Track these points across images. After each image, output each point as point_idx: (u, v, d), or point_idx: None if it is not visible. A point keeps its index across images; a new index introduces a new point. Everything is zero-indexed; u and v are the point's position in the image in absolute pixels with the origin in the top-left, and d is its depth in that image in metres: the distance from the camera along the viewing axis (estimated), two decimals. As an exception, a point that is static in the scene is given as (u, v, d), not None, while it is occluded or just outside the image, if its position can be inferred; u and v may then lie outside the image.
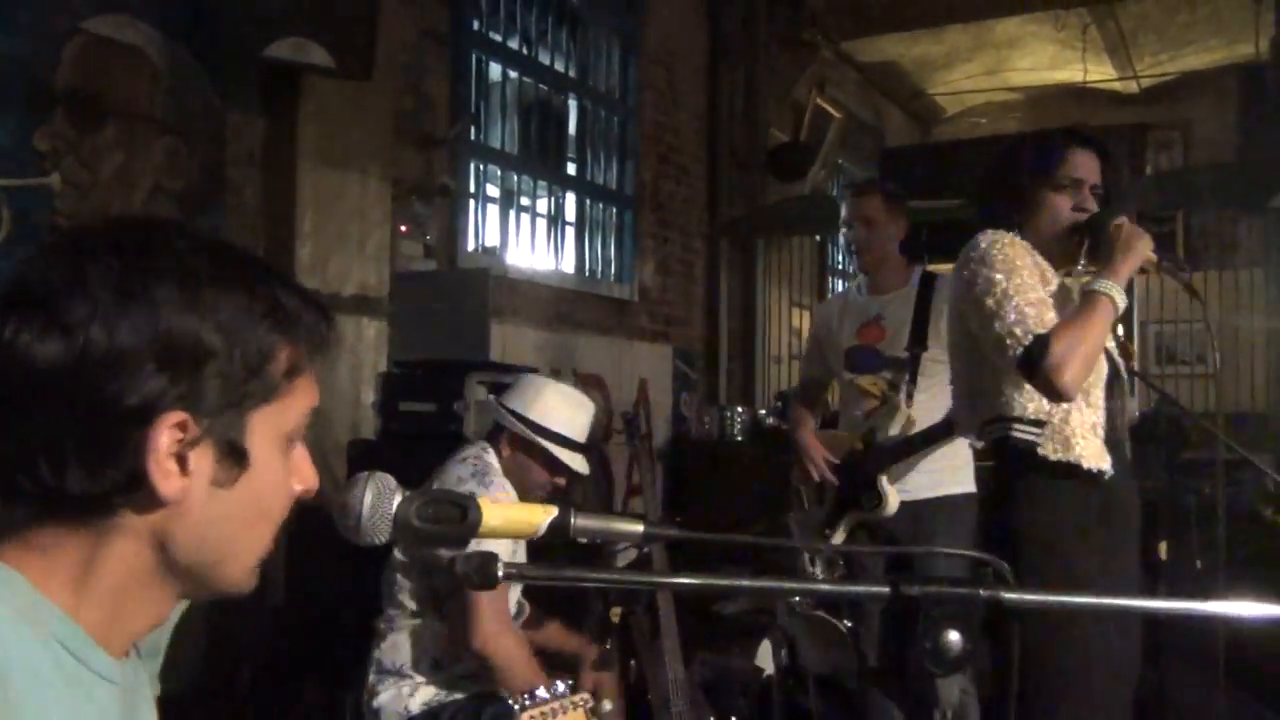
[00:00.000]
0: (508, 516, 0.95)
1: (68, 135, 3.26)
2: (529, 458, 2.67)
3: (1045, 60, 8.71)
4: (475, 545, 0.95)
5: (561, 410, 2.69)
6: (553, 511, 0.95)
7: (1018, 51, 8.60)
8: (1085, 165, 2.26)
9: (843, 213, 3.78)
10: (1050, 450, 2.17)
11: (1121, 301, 2.12)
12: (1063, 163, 2.25)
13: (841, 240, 3.86)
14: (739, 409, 6.27)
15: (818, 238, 8.24)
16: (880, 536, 3.41)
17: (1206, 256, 7.94)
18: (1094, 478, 2.16)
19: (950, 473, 3.42)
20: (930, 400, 3.38)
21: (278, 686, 3.70)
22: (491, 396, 2.90)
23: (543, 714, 1.86)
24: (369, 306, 4.14)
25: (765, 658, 4.06)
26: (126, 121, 3.42)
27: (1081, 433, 2.16)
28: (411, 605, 2.63)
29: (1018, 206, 2.29)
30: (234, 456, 0.87)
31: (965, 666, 0.96)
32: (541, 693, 1.90)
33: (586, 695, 2.00)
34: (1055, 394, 2.09)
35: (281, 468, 0.92)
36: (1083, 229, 2.24)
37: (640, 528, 0.95)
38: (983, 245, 2.24)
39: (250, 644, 3.79)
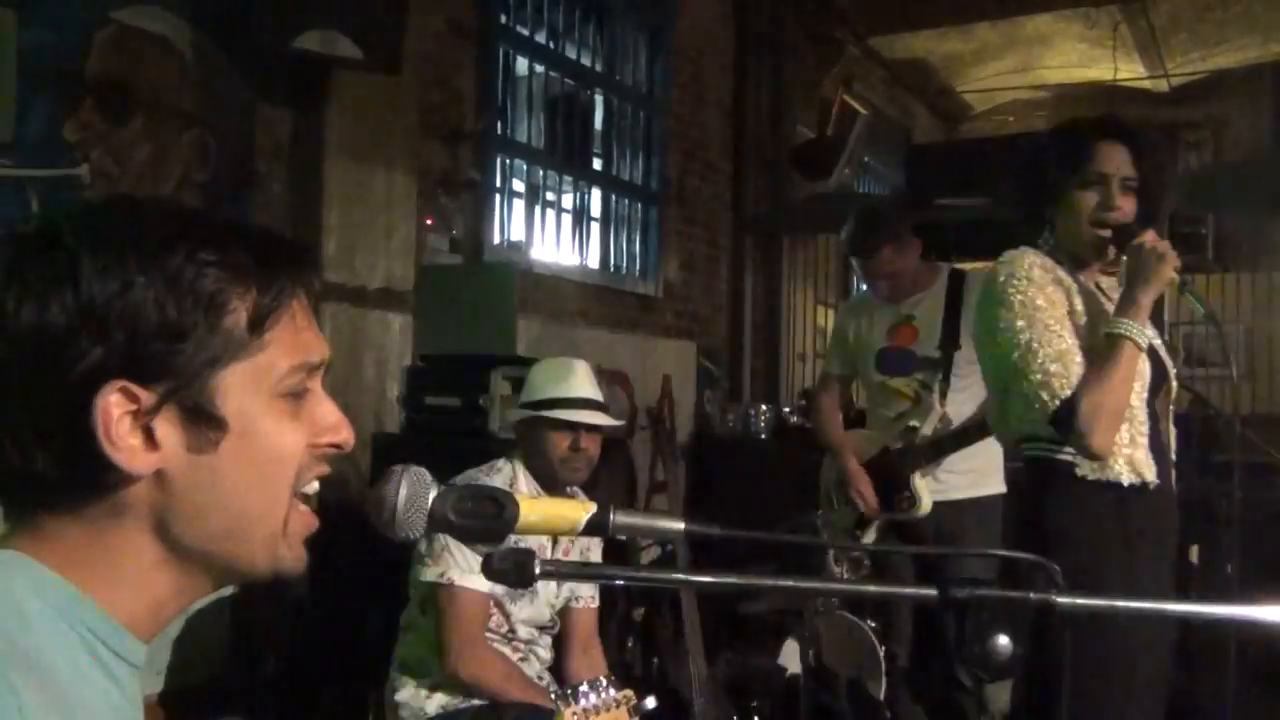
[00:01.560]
0: (546, 512, 0.92)
1: (97, 126, 3.26)
2: (538, 437, 2.64)
3: (1075, 58, 8.63)
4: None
5: (545, 379, 2.68)
6: (591, 508, 0.93)
7: (1047, 49, 8.52)
8: (1113, 159, 2.17)
9: (856, 269, 3.71)
10: (1088, 470, 2.13)
11: (1144, 340, 2.07)
12: (1089, 158, 2.17)
13: (863, 283, 3.78)
14: (763, 406, 6.23)
15: (842, 235, 8.19)
16: (910, 536, 3.38)
17: (1238, 258, 7.84)
18: (1133, 491, 2.11)
19: (981, 474, 3.39)
20: (963, 397, 3.35)
21: (301, 680, 3.70)
22: (509, 396, 2.91)
23: (585, 711, 1.85)
24: (395, 300, 4.13)
25: (788, 657, 4.04)
26: (155, 113, 3.43)
27: (1119, 450, 2.11)
28: (426, 605, 2.62)
29: (1046, 204, 2.24)
30: (204, 419, 0.82)
31: (1014, 672, 0.93)
32: (585, 690, 1.88)
33: (629, 693, 1.98)
34: (1091, 456, 2.09)
35: (278, 426, 0.86)
36: (1111, 239, 2.17)
37: (681, 525, 0.92)
38: (1000, 281, 2.19)
39: (274, 638, 3.79)
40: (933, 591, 0.92)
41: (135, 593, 0.85)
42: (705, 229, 6.65)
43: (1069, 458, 2.14)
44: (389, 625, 2.94)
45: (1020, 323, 2.12)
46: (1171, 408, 2.27)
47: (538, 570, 0.91)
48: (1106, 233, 2.16)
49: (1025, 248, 2.24)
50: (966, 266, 3.75)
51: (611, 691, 1.91)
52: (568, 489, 2.69)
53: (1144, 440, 2.13)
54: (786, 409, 6.43)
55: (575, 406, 2.64)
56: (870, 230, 3.60)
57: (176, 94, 3.50)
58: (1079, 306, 2.17)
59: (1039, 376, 2.08)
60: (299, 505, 0.90)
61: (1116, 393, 2.05)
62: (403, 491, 0.91)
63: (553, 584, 2.70)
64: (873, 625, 3.97)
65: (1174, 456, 2.26)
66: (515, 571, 0.90)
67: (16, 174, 3.01)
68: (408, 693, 2.59)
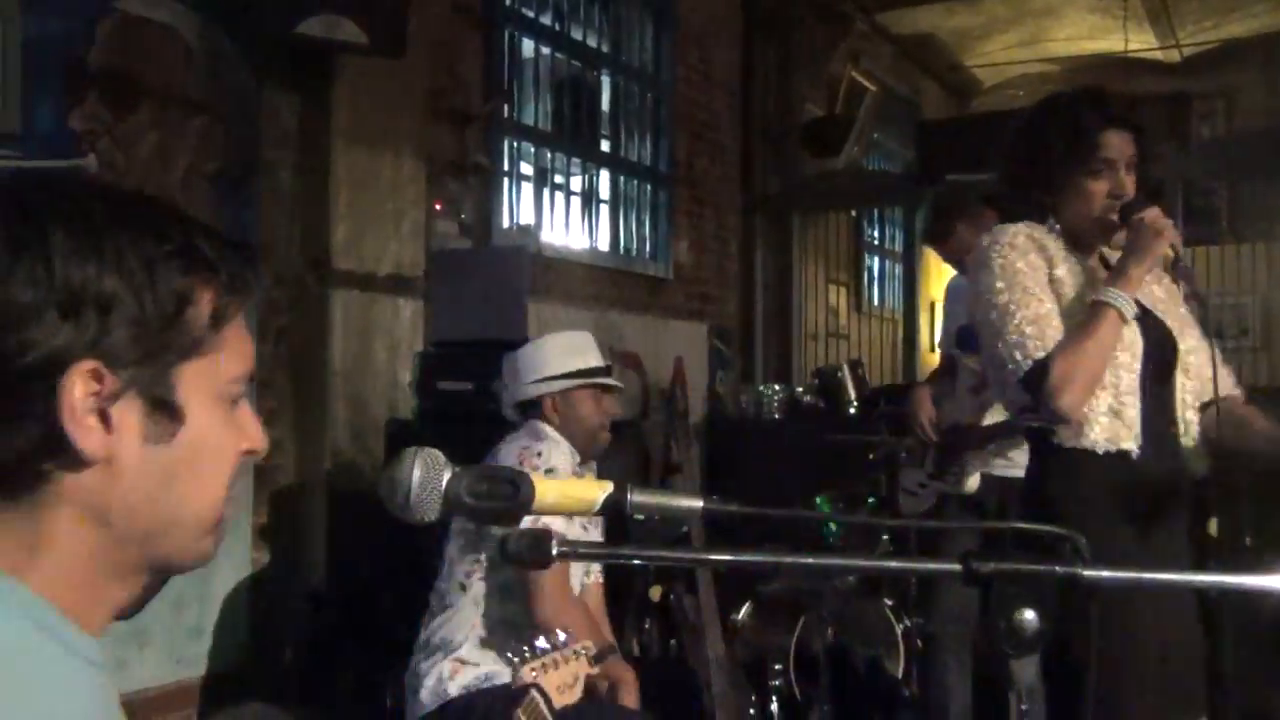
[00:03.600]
0: (562, 492, 0.91)
1: (103, 116, 3.25)
2: (573, 406, 2.76)
3: (1085, 30, 8.54)
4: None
5: (567, 350, 2.80)
6: (608, 487, 0.92)
7: (1056, 21, 8.44)
8: (1118, 145, 2.15)
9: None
10: (1064, 437, 2.12)
11: (1129, 310, 2.05)
12: (1095, 148, 2.14)
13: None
14: (775, 386, 6.22)
15: (853, 213, 8.16)
16: (971, 510, 3.40)
17: (1252, 227, 7.78)
18: (1113, 459, 2.09)
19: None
20: None
21: (320, 666, 3.71)
22: (500, 387, 2.95)
23: (544, 665, 1.85)
24: (405, 286, 4.12)
25: (806, 636, 4.04)
26: (161, 102, 3.42)
27: (1095, 417, 2.09)
28: (460, 577, 2.63)
29: (1049, 190, 2.21)
30: (164, 410, 0.82)
31: (1040, 646, 0.92)
32: (541, 643, 1.88)
33: (588, 644, 1.98)
34: (1056, 417, 2.07)
35: (220, 425, 0.87)
36: (1118, 220, 2.16)
37: (700, 503, 0.91)
38: (983, 246, 2.19)
39: (292, 625, 3.80)
40: (957, 566, 0.91)
41: (68, 582, 0.82)
42: (715, 209, 6.62)
43: (1046, 424, 2.13)
44: (405, 611, 2.94)
45: (999, 284, 2.12)
46: (1187, 397, 2.21)
47: (555, 551, 0.90)
48: (1114, 213, 2.15)
49: (1024, 222, 2.23)
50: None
51: (568, 642, 1.92)
52: (583, 465, 2.77)
53: (1131, 412, 2.10)
54: (799, 389, 6.42)
55: (602, 375, 2.79)
56: (939, 215, 3.65)
57: (182, 82, 3.49)
58: (1061, 274, 2.15)
59: (1014, 337, 2.08)
60: (227, 503, 0.90)
61: (1091, 357, 2.03)
62: (416, 474, 0.90)
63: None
64: (889, 603, 3.97)
65: (1189, 440, 2.21)
66: (532, 551, 0.89)
67: (23, 165, 3.01)
68: (431, 674, 2.59)
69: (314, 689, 3.62)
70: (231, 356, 0.87)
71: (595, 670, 2.02)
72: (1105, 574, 0.93)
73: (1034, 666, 0.95)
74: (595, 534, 2.82)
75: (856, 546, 3.86)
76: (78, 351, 0.78)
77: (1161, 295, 2.25)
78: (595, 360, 2.81)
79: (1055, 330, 2.08)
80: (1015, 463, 3.46)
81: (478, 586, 2.63)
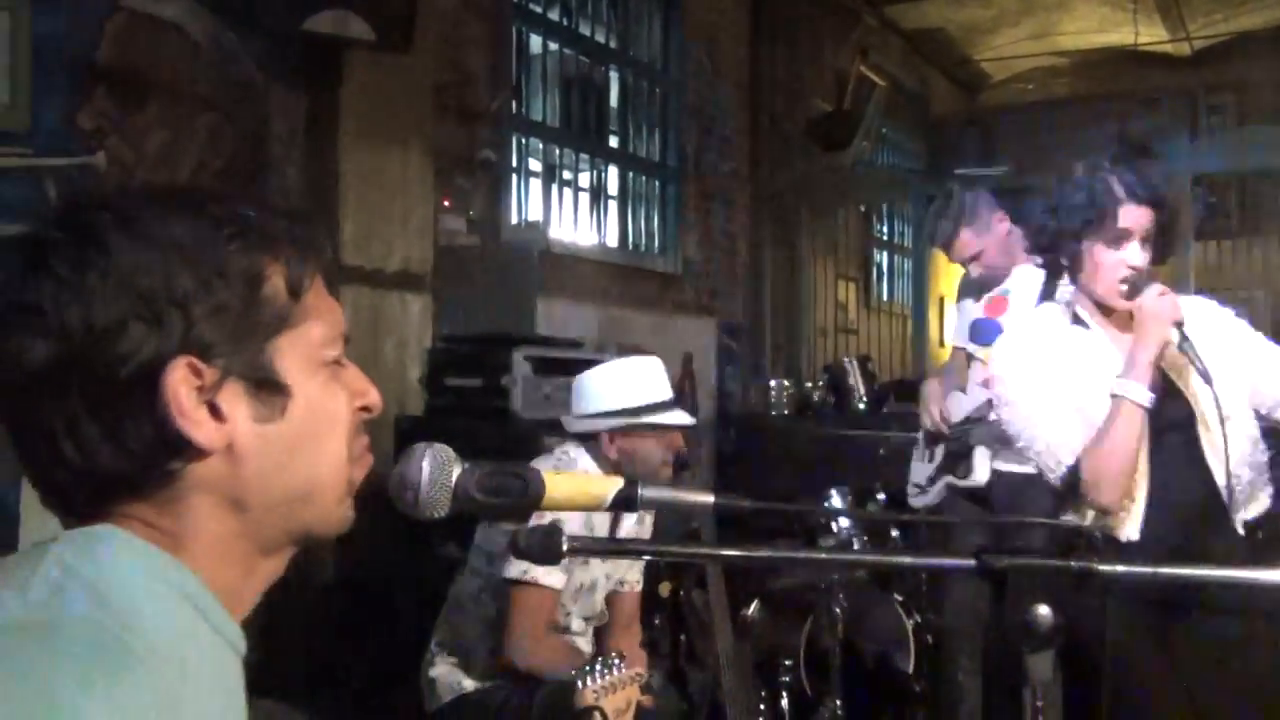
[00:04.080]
0: (572, 488, 0.91)
1: (111, 113, 3.25)
2: (637, 442, 2.60)
3: (1094, 22, 8.50)
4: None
5: (635, 381, 2.63)
6: (618, 482, 0.91)
7: (1066, 14, 8.39)
8: (1134, 216, 2.17)
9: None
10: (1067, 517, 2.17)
11: (1146, 399, 2.08)
12: (1112, 219, 2.16)
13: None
14: (784, 382, 6.21)
15: (862, 208, 8.13)
16: (980, 503, 3.38)
17: (1262, 222, 7.74)
18: (1117, 545, 2.10)
19: None
20: None
21: (331, 664, 3.71)
22: (565, 418, 2.76)
23: (604, 688, 1.86)
24: (413, 282, 4.12)
25: (816, 632, 4.02)
26: (169, 99, 3.42)
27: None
28: (476, 585, 2.64)
29: (1066, 255, 2.24)
30: (268, 388, 0.84)
31: (1056, 642, 0.91)
32: (600, 667, 1.90)
33: (641, 670, 2.00)
34: (1103, 511, 2.12)
35: (327, 390, 0.89)
36: (1126, 293, 2.18)
37: (710, 498, 0.90)
38: (1007, 345, 2.29)
39: (303, 622, 3.80)
40: (970, 561, 0.90)
41: (220, 565, 0.85)
42: (723, 204, 6.60)
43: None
44: (417, 607, 2.94)
45: (1019, 393, 2.21)
46: (1210, 450, 2.16)
47: (565, 547, 0.90)
48: (1124, 289, 2.17)
49: (1046, 304, 2.33)
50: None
51: (624, 669, 1.93)
52: None
53: (1139, 496, 2.13)
54: (808, 384, 6.40)
55: (669, 409, 2.62)
56: (941, 219, 3.64)
57: (190, 80, 3.49)
58: (1088, 356, 2.19)
59: (1042, 446, 2.18)
60: (356, 464, 0.92)
61: (1116, 452, 2.09)
62: (426, 470, 0.89)
63: (602, 577, 2.73)
64: (900, 599, 3.96)
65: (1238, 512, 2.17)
66: (542, 548, 0.88)
67: (33, 163, 3.01)
68: (445, 669, 2.60)
69: (325, 687, 3.62)
70: (319, 322, 0.89)
71: (647, 699, 2.04)
72: (1120, 569, 0.92)
73: (1049, 661, 0.94)
74: (645, 532, 2.80)
75: (866, 542, 3.84)
76: (170, 352, 0.80)
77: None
78: (661, 393, 2.63)
79: (1079, 432, 2.13)
80: (1026, 458, 3.45)
81: (488, 601, 2.62)
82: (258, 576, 0.90)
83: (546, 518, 0.97)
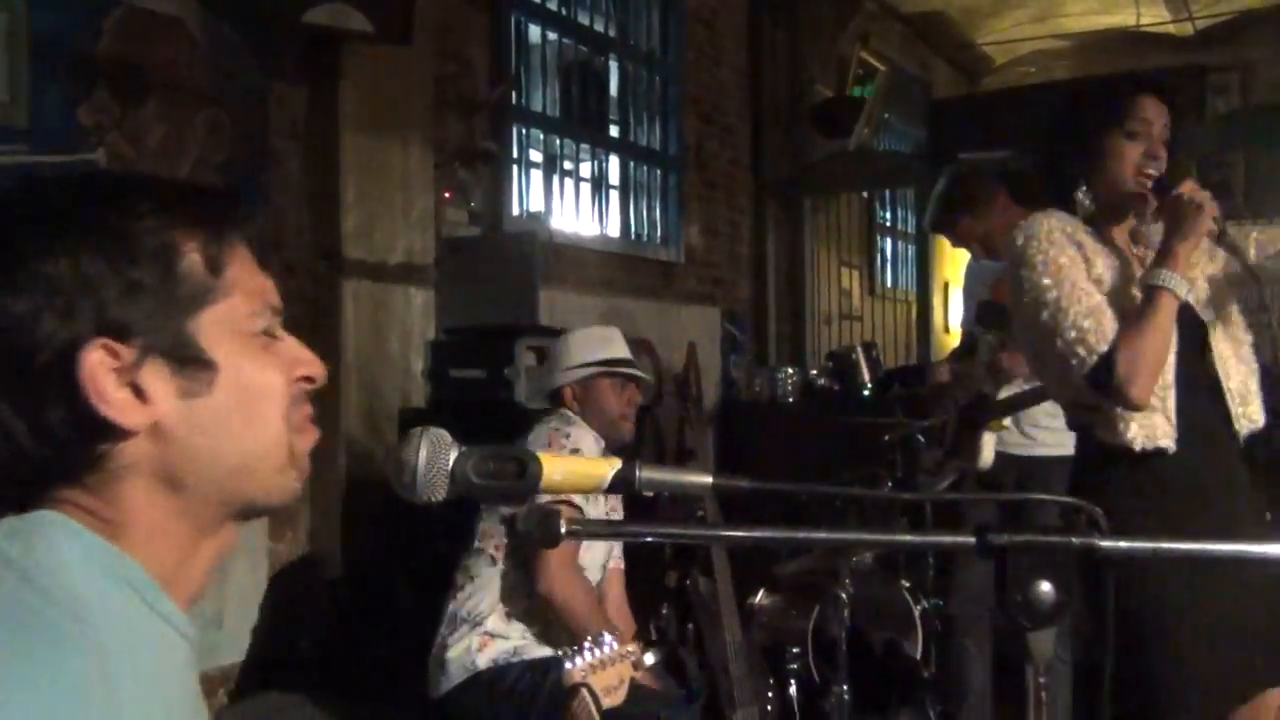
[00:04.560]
0: (570, 470, 0.90)
1: (111, 110, 3.25)
2: (593, 394, 2.86)
3: (1096, 4, 8.46)
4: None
5: (590, 344, 2.92)
6: (617, 464, 0.91)
7: (1068, -4, 8.37)
8: (1153, 109, 2.14)
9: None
10: (1103, 434, 2.10)
11: (1183, 289, 2.02)
12: (1133, 110, 2.13)
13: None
14: (789, 370, 6.19)
15: (865, 194, 8.11)
16: (989, 487, 3.37)
17: (1268, 202, 7.70)
18: (1147, 457, 2.06)
19: (1050, 434, 3.37)
20: None
21: (337, 655, 3.72)
22: (527, 369, 3.18)
23: (590, 666, 1.86)
24: (416, 274, 4.12)
25: (824, 619, 4.02)
26: (169, 94, 3.41)
27: (1129, 414, 2.06)
28: (490, 550, 2.67)
29: (1084, 156, 2.19)
30: (192, 364, 0.84)
31: (1058, 619, 0.91)
32: (589, 645, 1.90)
33: (632, 648, 1.99)
34: (1131, 408, 2.04)
35: (257, 363, 0.88)
36: (1151, 190, 2.13)
37: (709, 478, 0.90)
38: (1020, 244, 2.16)
39: (310, 614, 3.82)
40: (971, 539, 0.90)
41: (160, 548, 0.85)
42: (725, 192, 6.59)
43: (1085, 419, 2.13)
44: (422, 597, 2.95)
45: (1047, 280, 2.09)
46: (1233, 386, 2.15)
47: (563, 529, 0.89)
48: (1149, 183, 2.11)
49: (1050, 210, 2.21)
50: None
51: (615, 645, 1.93)
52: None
53: (1170, 404, 2.07)
54: (813, 372, 6.39)
55: (622, 365, 2.91)
56: (941, 205, 3.64)
57: (189, 74, 3.48)
58: (1100, 268, 2.12)
59: (1073, 334, 2.04)
60: (299, 434, 0.91)
61: (1154, 343, 2.01)
62: (423, 454, 0.89)
63: (601, 554, 2.84)
64: (907, 584, 3.95)
65: (1251, 427, 2.16)
66: (541, 530, 0.88)
67: (33, 160, 3.01)
68: (458, 648, 2.62)
69: (333, 678, 3.63)
70: (244, 295, 0.89)
71: (639, 674, 2.04)
72: (1122, 544, 0.91)
73: (1051, 639, 0.94)
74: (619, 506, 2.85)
75: (872, 526, 3.83)
76: (84, 336, 0.81)
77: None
78: (619, 352, 2.91)
79: (1111, 321, 2.05)
80: (1033, 440, 3.44)
81: (504, 561, 2.65)
82: (202, 556, 0.89)
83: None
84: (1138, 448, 2.06)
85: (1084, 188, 2.20)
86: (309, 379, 0.93)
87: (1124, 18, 8.51)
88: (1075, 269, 2.09)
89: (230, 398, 0.86)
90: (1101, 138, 2.15)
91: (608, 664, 1.88)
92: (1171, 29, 8.76)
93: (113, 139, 3.26)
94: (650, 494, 0.90)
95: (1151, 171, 2.12)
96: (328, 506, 3.85)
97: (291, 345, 0.93)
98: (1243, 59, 8.70)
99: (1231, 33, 8.65)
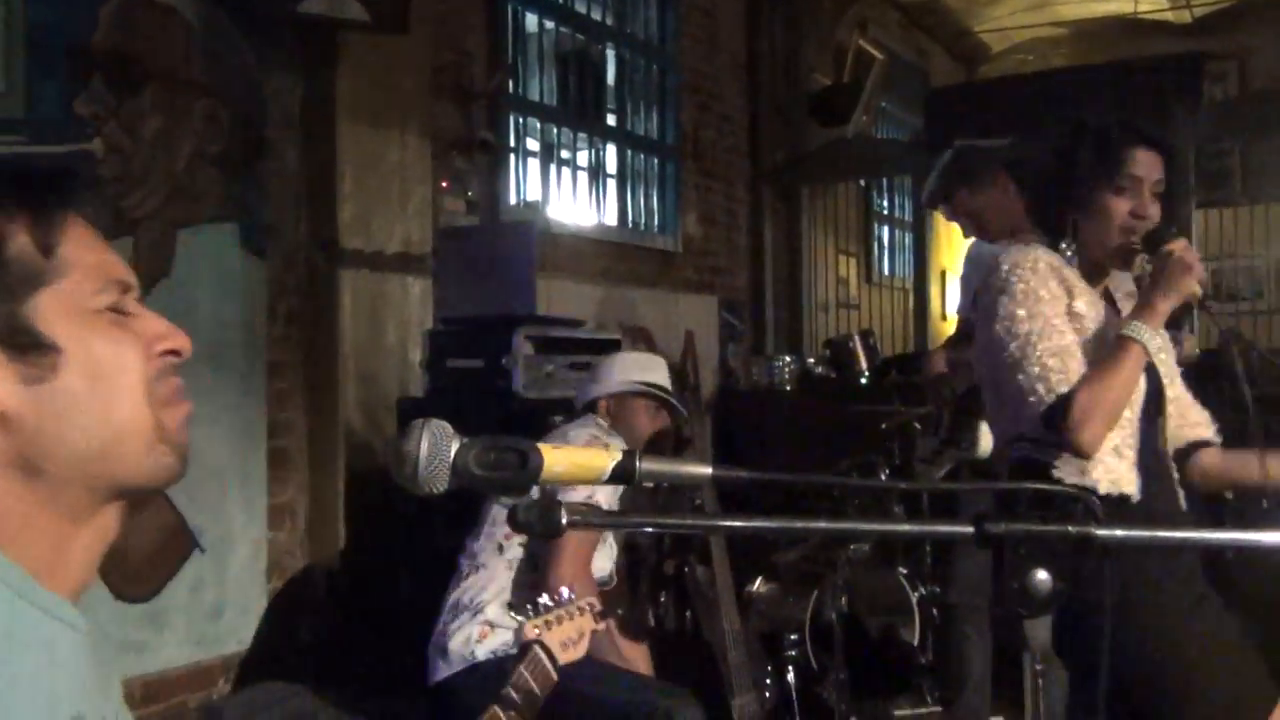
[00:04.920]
0: (571, 461, 0.91)
1: (107, 100, 3.25)
2: (628, 411, 2.97)
3: (1094, -9, 8.46)
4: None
5: (639, 366, 3.07)
6: (617, 455, 0.91)
7: (1065, -17, 8.36)
8: (1146, 164, 2.12)
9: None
10: (1065, 474, 2.07)
11: (1154, 346, 2.02)
12: (1123, 164, 2.11)
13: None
14: (786, 358, 6.20)
15: (862, 183, 8.11)
16: (984, 476, 3.37)
17: (1265, 189, 7.71)
18: (1113, 502, 2.04)
19: None
20: None
21: (337, 644, 3.74)
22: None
23: (547, 621, 1.86)
24: (413, 264, 4.11)
25: (821, 606, 4.04)
26: (165, 85, 3.41)
27: (1099, 458, 2.05)
28: (499, 537, 2.70)
29: (1073, 209, 2.16)
30: (30, 349, 0.82)
31: (1053, 607, 0.91)
32: (545, 600, 1.90)
33: (592, 600, 1.99)
34: (1078, 454, 2.03)
35: (106, 340, 0.85)
36: (1141, 244, 2.10)
37: (708, 469, 0.91)
38: (1004, 270, 2.13)
39: (309, 604, 3.83)
40: (969, 528, 0.91)
41: (29, 541, 0.83)
42: (723, 181, 6.59)
43: (1049, 459, 2.09)
44: (421, 587, 2.95)
45: (1021, 312, 2.07)
46: (1170, 439, 2.18)
47: (564, 520, 0.90)
48: (1136, 240, 2.10)
49: (1035, 245, 2.18)
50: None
51: (572, 598, 1.93)
52: None
53: (1130, 454, 2.07)
54: (810, 360, 6.40)
55: (662, 392, 3.03)
56: (940, 176, 3.65)
57: (186, 65, 3.48)
58: (1080, 306, 2.11)
59: (1036, 370, 2.03)
60: (166, 409, 0.88)
61: (1115, 393, 2.00)
62: (424, 445, 0.89)
63: (612, 538, 2.88)
64: (904, 571, 3.97)
65: (1174, 473, 2.18)
66: (541, 521, 0.89)
67: (29, 150, 3.01)
68: (459, 637, 2.62)
69: (332, 667, 3.65)
70: (84, 273, 0.86)
71: (600, 626, 2.04)
72: (1119, 533, 0.92)
73: (1048, 627, 0.95)
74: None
75: (869, 514, 3.85)
76: None
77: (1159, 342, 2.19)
78: (660, 381, 3.04)
79: (1078, 364, 2.03)
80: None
81: (515, 550, 2.67)
82: (80, 544, 0.86)
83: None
84: (1103, 491, 2.04)
85: (1069, 239, 2.19)
86: (174, 352, 0.89)
87: (1121, 5, 8.51)
88: (1053, 305, 2.08)
89: (78, 379, 0.83)
90: (1090, 191, 2.13)
91: (565, 619, 1.87)
92: (1169, 16, 8.75)
93: (109, 129, 3.25)
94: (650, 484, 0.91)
95: (1135, 236, 2.09)
96: (327, 496, 3.85)
97: (149, 319, 0.89)
98: (1240, 46, 8.69)
99: (1229, 20, 8.64)
